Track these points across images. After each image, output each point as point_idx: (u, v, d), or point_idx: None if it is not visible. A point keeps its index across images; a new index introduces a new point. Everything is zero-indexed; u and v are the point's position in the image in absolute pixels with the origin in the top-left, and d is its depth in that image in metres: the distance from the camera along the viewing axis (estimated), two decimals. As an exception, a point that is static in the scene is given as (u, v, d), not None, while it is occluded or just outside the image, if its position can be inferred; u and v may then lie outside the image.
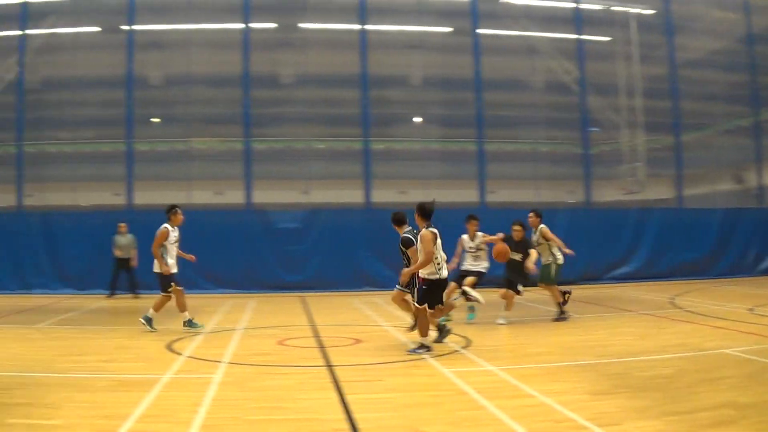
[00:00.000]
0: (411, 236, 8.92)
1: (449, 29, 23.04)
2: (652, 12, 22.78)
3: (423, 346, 8.57)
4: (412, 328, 9.40)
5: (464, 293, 11.15)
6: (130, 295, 17.23)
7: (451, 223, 19.76)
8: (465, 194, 20.95)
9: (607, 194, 22.96)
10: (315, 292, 18.01)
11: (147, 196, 19.77)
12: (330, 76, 21.91)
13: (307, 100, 21.82)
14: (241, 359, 8.41)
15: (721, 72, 22.63)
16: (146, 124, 22.62)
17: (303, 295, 17.29)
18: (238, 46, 20.42)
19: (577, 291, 17.12)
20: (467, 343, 9.38)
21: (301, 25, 22.48)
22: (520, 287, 11.48)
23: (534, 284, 11.95)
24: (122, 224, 17.51)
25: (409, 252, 8.90)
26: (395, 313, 12.02)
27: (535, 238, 11.84)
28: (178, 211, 11.13)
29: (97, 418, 5.70)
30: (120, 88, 20.05)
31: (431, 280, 8.56)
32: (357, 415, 5.67)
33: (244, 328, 11.61)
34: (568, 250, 11.90)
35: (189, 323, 10.95)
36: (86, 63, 20.98)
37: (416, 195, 22.38)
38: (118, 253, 17.43)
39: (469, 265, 11.57)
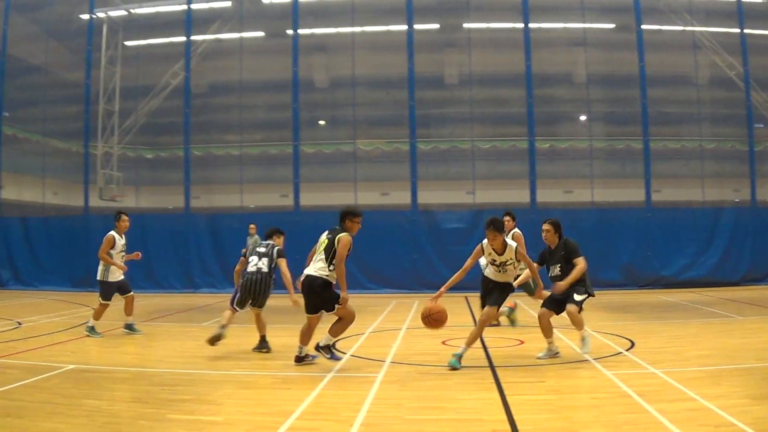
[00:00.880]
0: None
1: (612, 25, 22.49)
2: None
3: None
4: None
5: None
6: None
7: (619, 221, 18.71)
8: (631, 193, 20.37)
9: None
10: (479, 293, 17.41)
11: (313, 198, 20.25)
12: (494, 76, 21.97)
13: (471, 100, 21.84)
14: (404, 359, 8.33)
15: None
16: (312, 126, 23.30)
17: (468, 296, 16.85)
18: (402, 47, 20.43)
19: (740, 292, 16.98)
20: (630, 345, 9.06)
21: (465, 25, 22.40)
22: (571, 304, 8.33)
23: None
24: (252, 225, 17.47)
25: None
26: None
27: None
28: (123, 217, 10.63)
29: (259, 415, 5.75)
30: (285, 92, 20.72)
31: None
32: (517, 417, 5.55)
33: (407, 327, 11.49)
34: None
35: (129, 327, 10.61)
36: (251, 67, 22.04)
37: (581, 194, 21.58)
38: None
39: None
